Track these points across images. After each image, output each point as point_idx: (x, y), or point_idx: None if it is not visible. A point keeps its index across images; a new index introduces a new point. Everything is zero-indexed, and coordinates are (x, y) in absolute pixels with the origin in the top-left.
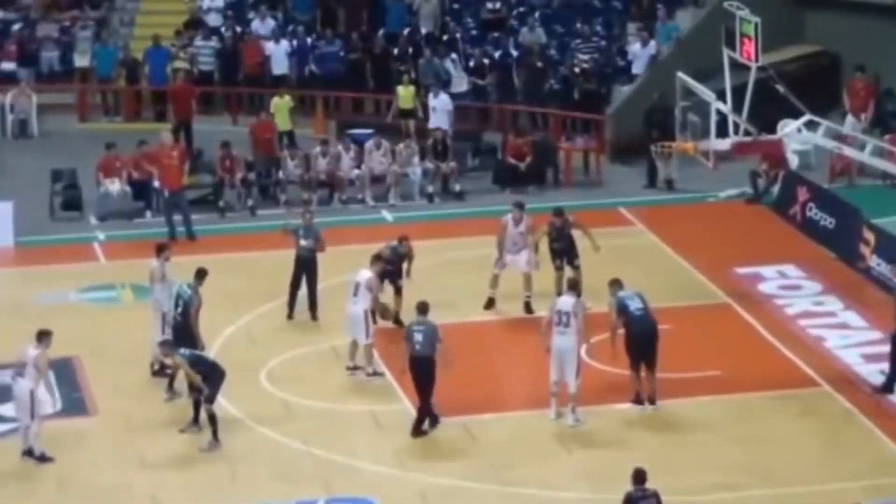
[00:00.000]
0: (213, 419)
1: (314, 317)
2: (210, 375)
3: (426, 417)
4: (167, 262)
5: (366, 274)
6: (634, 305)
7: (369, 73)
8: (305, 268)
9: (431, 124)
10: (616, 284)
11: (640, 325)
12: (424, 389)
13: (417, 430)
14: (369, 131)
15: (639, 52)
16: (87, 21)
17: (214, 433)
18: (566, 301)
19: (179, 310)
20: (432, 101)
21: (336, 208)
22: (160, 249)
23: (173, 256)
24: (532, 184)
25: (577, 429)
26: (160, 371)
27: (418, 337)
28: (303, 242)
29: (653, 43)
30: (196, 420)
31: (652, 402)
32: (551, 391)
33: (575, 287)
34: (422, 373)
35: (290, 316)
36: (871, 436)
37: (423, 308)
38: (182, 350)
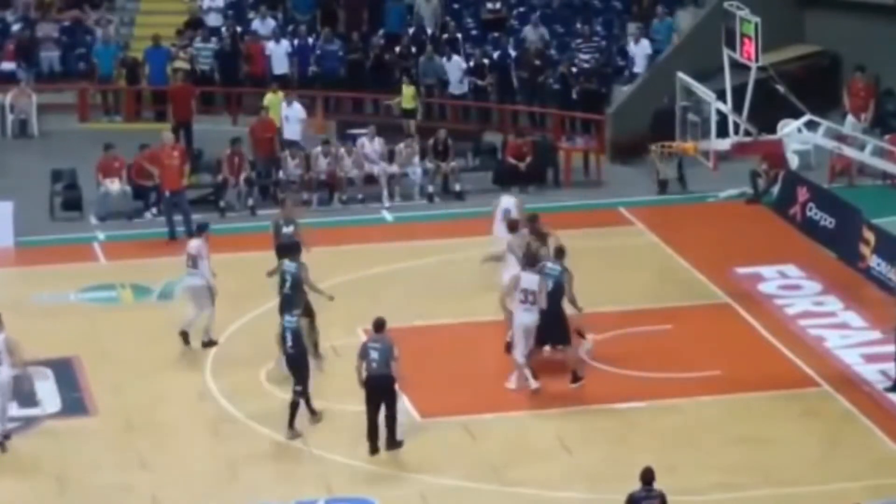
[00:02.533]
0: (295, 406)
1: None
2: (302, 364)
3: (395, 428)
4: (207, 240)
5: None
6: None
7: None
8: (288, 256)
9: (285, 136)
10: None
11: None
12: (389, 407)
13: (392, 443)
14: (366, 131)
15: (633, 51)
16: (106, 20)
17: (292, 420)
18: (531, 279)
19: (288, 284)
20: (285, 111)
21: (336, 208)
22: (201, 229)
23: (173, 256)
24: (532, 184)
25: (579, 431)
26: (210, 343)
27: (374, 355)
28: (285, 230)
29: (645, 42)
30: (292, 424)
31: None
32: (521, 364)
33: (536, 262)
34: (380, 391)
35: None
36: (871, 436)
37: (379, 325)
38: (289, 318)
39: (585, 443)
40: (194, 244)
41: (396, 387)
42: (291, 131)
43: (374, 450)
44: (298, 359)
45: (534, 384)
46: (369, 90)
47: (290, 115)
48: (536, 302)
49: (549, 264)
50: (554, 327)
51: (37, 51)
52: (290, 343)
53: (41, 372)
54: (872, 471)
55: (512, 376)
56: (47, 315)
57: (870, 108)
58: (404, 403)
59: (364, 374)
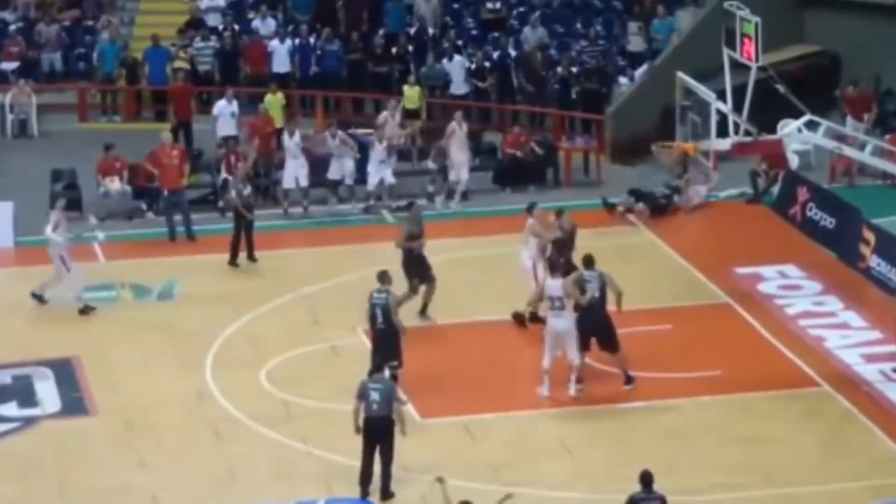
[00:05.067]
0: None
1: (251, 259)
2: (394, 339)
3: (390, 474)
4: (63, 210)
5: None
6: (590, 293)
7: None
8: (238, 219)
9: (219, 132)
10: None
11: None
12: (385, 452)
13: (386, 494)
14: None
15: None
16: (106, 20)
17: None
18: (554, 286)
19: (381, 319)
20: (226, 107)
21: (336, 208)
22: (56, 199)
23: (173, 256)
24: (532, 183)
25: (579, 431)
26: (38, 297)
27: (375, 396)
28: (234, 194)
29: (633, 39)
30: None
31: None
32: (545, 370)
33: (557, 269)
34: (380, 434)
35: (232, 261)
36: (871, 436)
37: (378, 367)
38: (378, 294)
39: (586, 443)
40: (51, 213)
41: (396, 430)
42: (225, 127)
43: (364, 493)
44: (390, 333)
45: (545, 391)
46: (370, 90)
47: (234, 112)
48: (564, 307)
49: (586, 273)
50: (603, 333)
51: (37, 51)
52: (380, 319)
53: (41, 372)
54: (872, 471)
55: (543, 385)
56: (47, 315)
57: (872, 109)
58: (406, 404)
59: (363, 415)
